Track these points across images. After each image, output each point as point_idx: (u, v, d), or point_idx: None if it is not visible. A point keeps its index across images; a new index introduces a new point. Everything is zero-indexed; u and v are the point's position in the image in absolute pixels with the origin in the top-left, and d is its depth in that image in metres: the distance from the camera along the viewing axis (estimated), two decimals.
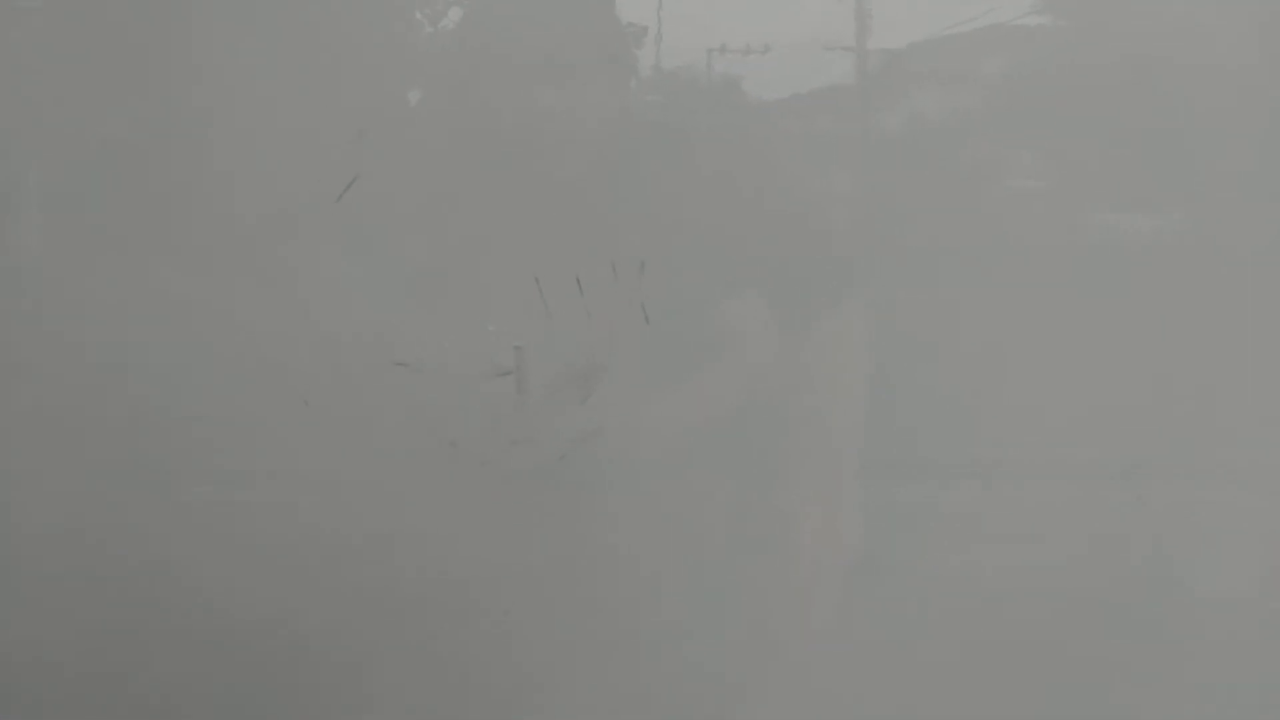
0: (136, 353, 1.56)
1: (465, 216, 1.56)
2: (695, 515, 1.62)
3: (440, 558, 1.58)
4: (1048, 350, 1.61)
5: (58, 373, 1.57)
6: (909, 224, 1.60)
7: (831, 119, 1.63)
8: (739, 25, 1.57)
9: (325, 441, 1.56)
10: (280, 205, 1.55)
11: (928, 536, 1.64)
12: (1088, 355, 1.61)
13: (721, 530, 1.63)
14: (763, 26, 1.57)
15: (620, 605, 1.62)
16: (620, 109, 1.60)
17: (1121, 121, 1.60)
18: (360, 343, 1.55)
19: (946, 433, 1.62)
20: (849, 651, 1.65)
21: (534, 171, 1.57)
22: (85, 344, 1.57)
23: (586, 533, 1.60)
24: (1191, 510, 1.64)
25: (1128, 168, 1.62)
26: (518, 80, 1.56)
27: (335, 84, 1.55)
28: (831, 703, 1.65)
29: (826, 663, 1.66)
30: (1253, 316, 1.64)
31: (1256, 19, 1.63)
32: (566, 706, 1.62)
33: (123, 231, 1.56)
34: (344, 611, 1.58)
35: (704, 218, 1.58)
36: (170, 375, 1.55)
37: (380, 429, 1.55)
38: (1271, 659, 1.67)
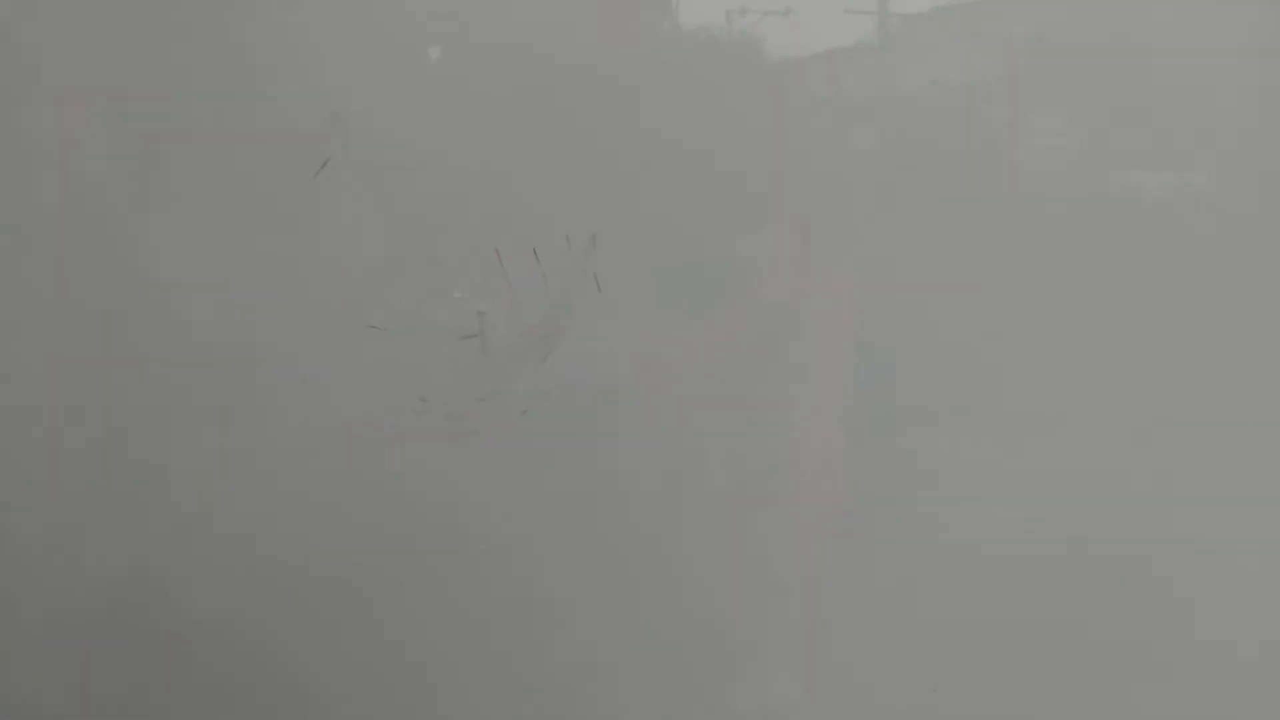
0: (130, 323, 1.72)
1: (433, 194, 1.70)
2: (672, 459, 1.73)
3: (415, 501, 1.73)
4: (1066, 307, 1.66)
5: (62, 362, 1.72)
6: (930, 181, 1.66)
7: (853, 80, 1.67)
8: None
9: (309, 398, 1.70)
10: (265, 186, 1.69)
11: (940, 490, 1.71)
12: (1107, 312, 1.66)
13: (705, 471, 1.73)
14: None
15: (595, 545, 1.75)
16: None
17: (1144, 81, 1.64)
18: (337, 308, 1.69)
19: (963, 387, 1.69)
20: (849, 602, 1.73)
21: (497, 151, 1.70)
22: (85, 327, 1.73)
23: (550, 477, 1.74)
24: (1206, 467, 1.69)
25: (1151, 127, 1.65)
26: (509, 56, 1.68)
27: (312, 74, 1.68)
28: (830, 657, 1.74)
29: (820, 615, 1.75)
30: (1275, 274, 1.67)
31: None
32: (542, 638, 1.76)
33: (119, 219, 1.71)
34: (328, 549, 1.73)
35: (700, 173, 1.66)
36: (160, 347, 1.70)
37: (356, 386, 1.70)
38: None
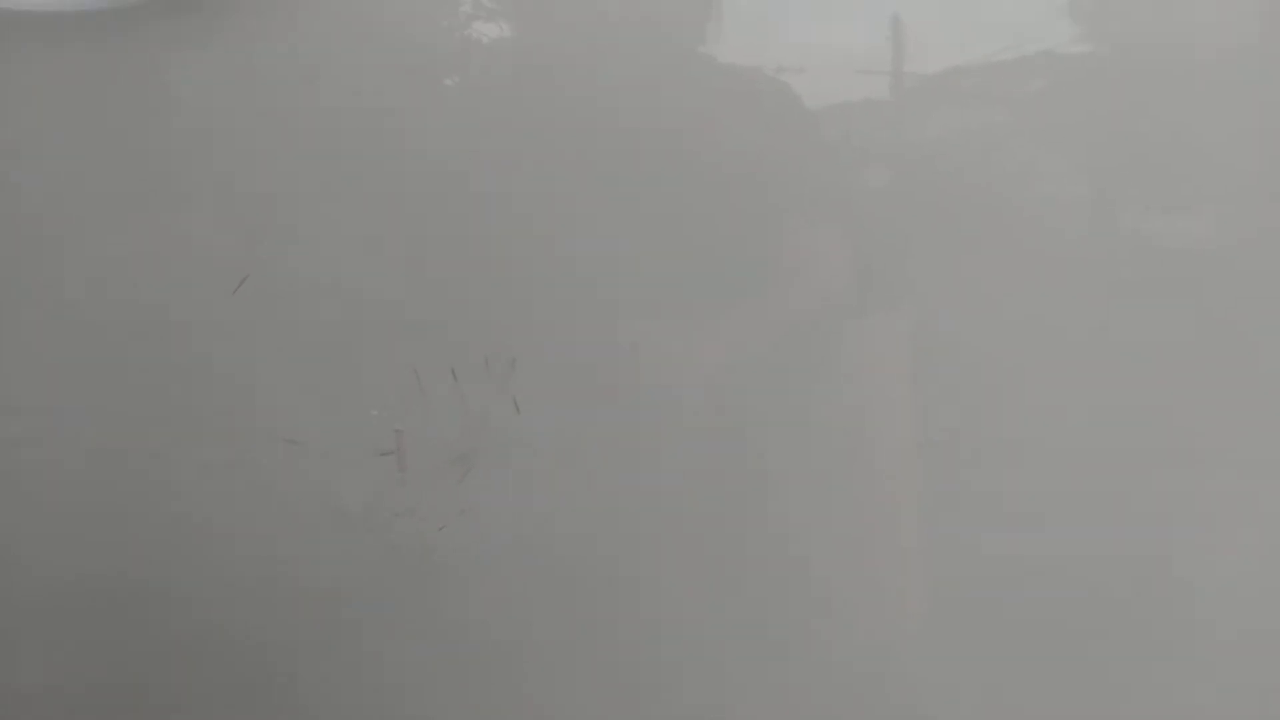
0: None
1: (350, 312, 1.68)
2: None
3: (327, 612, 1.75)
4: (1074, 348, 1.63)
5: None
6: (940, 228, 1.63)
7: (865, 129, 1.63)
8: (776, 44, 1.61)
9: (225, 511, 1.71)
10: (185, 302, 1.69)
11: (945, 520, 1.69)
12: (1115, 354, 1.63)
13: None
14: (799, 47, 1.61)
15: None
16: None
17: (1152, 127, 1.60)
18: (254, 423, 1.69)
19: (970, 422, 1.66)
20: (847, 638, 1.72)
21: (415, 271, 1.68)
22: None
23: (464, 591, 1.74)
24: (1207, 505, 1.67)
25: (1158, 173, 1.62)
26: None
27: (232, 189, 1.67)
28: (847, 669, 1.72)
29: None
30: None
31: None
32: None
33: (37, 333, 1.72)
34: (248, 653, 1.76)
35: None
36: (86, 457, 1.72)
37: (273, 500, 1.71)
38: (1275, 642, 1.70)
